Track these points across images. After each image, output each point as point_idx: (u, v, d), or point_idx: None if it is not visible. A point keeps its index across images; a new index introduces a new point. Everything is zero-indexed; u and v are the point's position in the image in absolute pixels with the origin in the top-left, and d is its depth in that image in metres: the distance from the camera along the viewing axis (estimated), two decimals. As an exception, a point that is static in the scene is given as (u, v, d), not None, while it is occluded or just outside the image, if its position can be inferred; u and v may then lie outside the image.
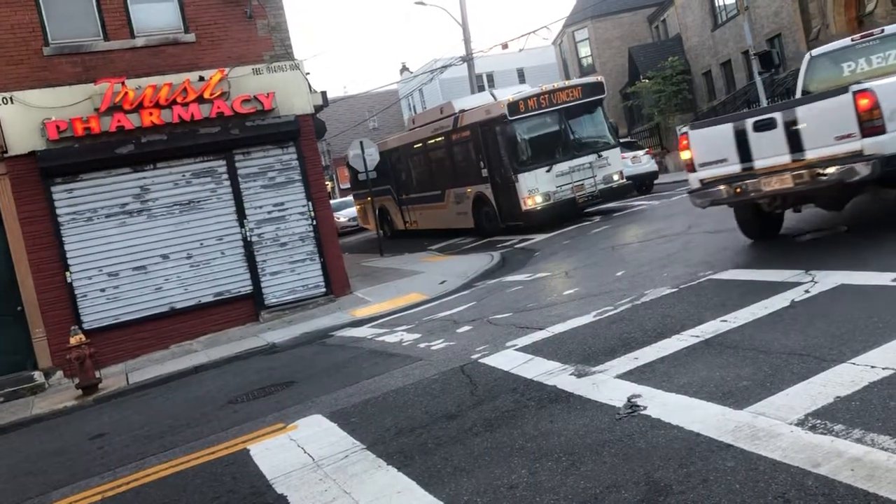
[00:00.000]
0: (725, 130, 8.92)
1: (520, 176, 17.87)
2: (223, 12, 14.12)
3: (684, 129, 9.46)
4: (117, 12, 13.38)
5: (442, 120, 21.44)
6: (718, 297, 7.43)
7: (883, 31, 10.28)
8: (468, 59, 29.27)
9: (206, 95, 13.57)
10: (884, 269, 6.88)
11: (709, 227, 12.45)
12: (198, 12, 13.94)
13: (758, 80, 24.13)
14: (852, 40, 10.58)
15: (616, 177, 18.78)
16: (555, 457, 4.53)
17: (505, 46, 30.92)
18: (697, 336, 6.27)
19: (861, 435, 3.85)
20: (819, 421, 4.13)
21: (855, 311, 5.93)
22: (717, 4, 37.93)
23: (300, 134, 14.44)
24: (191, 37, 13.86)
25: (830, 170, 7.85)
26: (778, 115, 8.39)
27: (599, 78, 19.84)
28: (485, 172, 19.27)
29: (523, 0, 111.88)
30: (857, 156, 7.69)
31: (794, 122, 8.23)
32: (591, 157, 18.44)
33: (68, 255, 12.88)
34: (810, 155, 8.10)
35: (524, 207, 17.86)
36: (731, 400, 4.73)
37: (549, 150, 18.42)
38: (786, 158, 8.33)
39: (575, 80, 20.59)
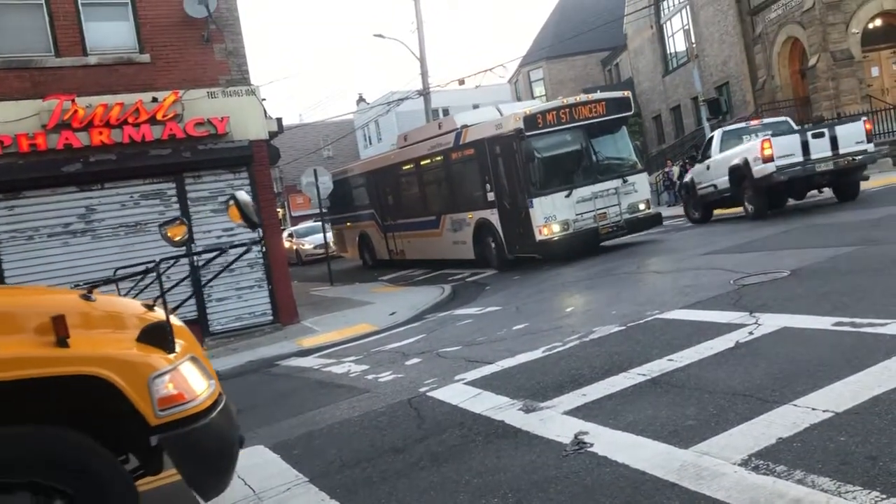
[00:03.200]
0: (795, 138, 15.82)
1: (535, 201, 15.62)
2: (180, 34, 14.01)
3: (768, 136, 16.04)
4: (70, 29, 13.18)
5: (440, 136, 19.09)
6: (665, 336, 7.52)
7: (763, 121, 19.15)
8: (425, 92, 29.54)
9: (159, 117, 13.39)
10: (825, 314, 7.06)
11: (657, 266, 12.66)
12: (154, 33, 13.81)
13: (706, 125, 24.88)
14: (747, 123, 18.95)
15: (642, 205, 16.71)
16: (501, 493, 4.49)
17: (462, 82, 31.47)
18: (644, 374, 6.32)
19: (802, 476, 3.91)
20: (762, 462, 4.18)
21: (797, 353, 6.06)
22: (668, 51, 39.12)
23: (253, 160, 14.33)
24: (146, 57, 13.71)
25: (858, 157, 15.56)
26: (826, 130, 15.80)
27: (626, 93, 17.70)
28: (491, 196, 16.95)
29: (481, 38, 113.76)
30: (866, 152, 15.69)
31: (835, 135, 15.55)
32: (616, 182, 16.30)
33: (6, 274, 12.49)
34: (842, 151, 15.42)
35: (539, 237, 15.66)
36: (676, 439, 4.77)
37: (568, 172, 16.28)
38: (829, 153, 15.45)
39: (599, 94, 18.01)
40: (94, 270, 13.04)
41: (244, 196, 4.96)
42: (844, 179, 16.15)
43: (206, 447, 3.99)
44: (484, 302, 13.08)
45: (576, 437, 5.15)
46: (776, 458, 4.19)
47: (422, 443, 5.77)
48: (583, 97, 17.12)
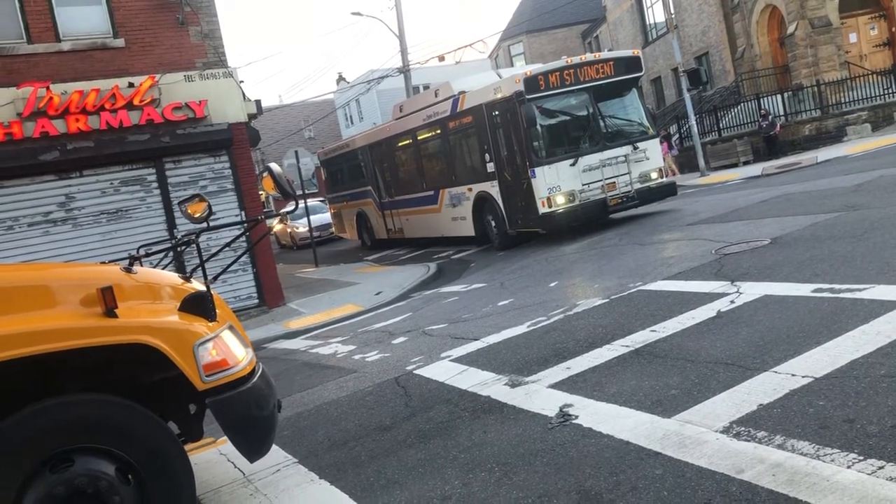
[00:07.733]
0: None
1: (537, 170, 14.32)
2: (154, 18, 13.82)
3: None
4: (42, 15, 12.97)
5: (437, 105, 17.73)
6: (648, 308, 7.59)
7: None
8: (405, 70, 29.32)
9: (136, 102, 13.25)
10: (804, 281, 7.15)
11: (640, 238, 12.73)
12: (128, 17, 13.62)
13: (686, 96, 24.83)
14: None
15: (655, 174, 15.34)
16: (488, 467, 4.55)
17: (442, 59, 31.14)
18: (627, 346, 6.39)
19: (782, 441, 3.98)
20: (743, 428, 4.26)
21: (777, 321, 6.14)
22: (647, 22, 38.99)
23: (233, 142, 14.21)
24: (120, 42, 13.53)
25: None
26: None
27: (636, 52, 16.16)
28: (491, 167, 15.66)
29: (460, 14, 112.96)
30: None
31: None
32: (626, 149, 14.96)
33: (-13, 265, 12.37)
34: None
35: (541, 210, 14.36)
36: (659, 408, 4.83)
37: (574, 138, 15.08)
38: None
39: (607, 54, 16.20)
40: (77, 259, 13.00)
41: (277, 167, 5.17)
42: None
43: (249, 411, 4.17)
44: (469, 279, 13.11)
45: (561, 409, 5.21)
46: (757, 424, 4.27)
47: (409, 420, 5.81)
48: (589, 56, 15.63)
